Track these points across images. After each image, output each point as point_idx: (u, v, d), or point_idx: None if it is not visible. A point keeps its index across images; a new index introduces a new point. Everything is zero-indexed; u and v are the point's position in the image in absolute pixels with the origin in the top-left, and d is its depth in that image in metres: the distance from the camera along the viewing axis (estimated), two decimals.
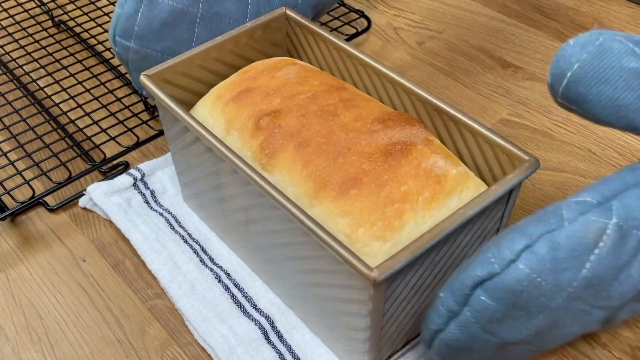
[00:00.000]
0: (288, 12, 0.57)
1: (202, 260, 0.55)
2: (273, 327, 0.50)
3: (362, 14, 0.81)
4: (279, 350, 0.49)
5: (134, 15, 0.59)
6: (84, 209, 0.60)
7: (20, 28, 0.80)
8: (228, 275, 0.54)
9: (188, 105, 0.55)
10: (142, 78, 0.51)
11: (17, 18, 0.82)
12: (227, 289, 0.53)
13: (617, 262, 0.38)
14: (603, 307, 0.41)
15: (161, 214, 0.58)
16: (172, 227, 0.57)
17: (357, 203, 0.42)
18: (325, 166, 0.43)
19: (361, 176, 0.42)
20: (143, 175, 0.61)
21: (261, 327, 0.50)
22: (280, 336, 0.50)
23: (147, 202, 0.59)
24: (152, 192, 0.60)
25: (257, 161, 0.46)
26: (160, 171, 0.62)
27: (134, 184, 0.60)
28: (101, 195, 0.59)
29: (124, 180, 0.60)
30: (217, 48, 0.55)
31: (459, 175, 0.44)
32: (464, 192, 0.44)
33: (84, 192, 0.60)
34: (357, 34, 0.79)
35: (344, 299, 0.42)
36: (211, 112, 0.50)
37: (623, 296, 0.40)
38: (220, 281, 0.53)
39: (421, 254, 0.39)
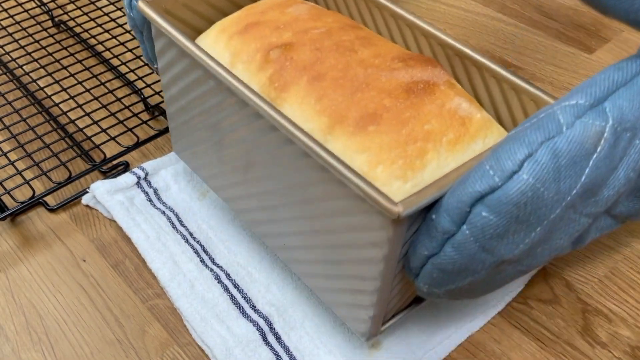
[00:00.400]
0: None
1: (202, 260, 0.55)
2: (271, 328, 0.50)
3: None
4: (276, 351, 0.49)
5: None
6: (87, 206, 0.60)
7: (20, 28, 0.80)
8: (228, 275, 0.54)
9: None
10: (141, 4, 0.47)
11: (17, 18, 0.82)
12: (226, 289, 0.53)
13: (610, 166, 0.37)
14: (588, 215, 0.40)
15: (163, 212, 0.58)
16: (174, 226, 0.57)
17: (376, 139, 0.39)
18: (342, 101, 0.40)
19: (381, 112, 0.39)
20: (146, 174, 0.61)
21: (259, 329, 0.50)
22: (278, 337, 0.50)
23: (150, 200, 0.59)
24: (155, 190, 0.60)
25: (265, 95, 0.43)
26: (164, 170, 0.62)
27: (137, 183, 0.60)
28: (104, 193, 0.59)
29: (127, 179, 0.60)
30: None
31: (483, 120, 0.42)
32: (489, 137, 0.41)
33: (87, 190, 0.60)
34: None
35: (356, 244, 0.39)
36: (214, 45, 0.46)
37: (608, 201, 0.40)
38: (219, 281, 0.53)
39: (446, 193, 0.36)
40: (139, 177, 0.61)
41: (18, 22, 0.81)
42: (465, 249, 0.37)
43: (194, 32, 0.53)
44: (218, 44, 0.46)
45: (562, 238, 0.40)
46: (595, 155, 0.36)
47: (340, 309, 0.45)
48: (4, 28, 0.80)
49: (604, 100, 0.36)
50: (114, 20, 0.80)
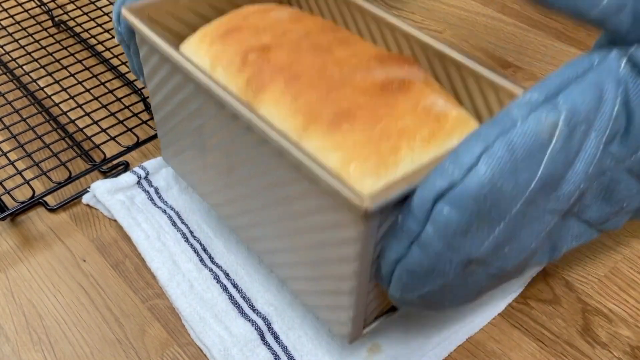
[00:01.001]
0: None
1: (201, 260, 0.55)
2: (270, 328, 0.50)
3: None
4: (274, 351, 0.49)
5: None
6: (87, 206, 0.60)
7: (20, 28, 0.80)
8: (227, 275, 0.54)
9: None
10: (124, 11, 0.47)
11: (17, 18, 0.82)
12: (225, 289, 0.53)
13: (567, 159, 0.38)
14: (552, 212, 0.40)
15: (164, 211, 0.58)
16: (175, 224, 0.57)
17: (349, 137, 0.39)
18: (317, 100, 0.40)
19: (355, 110, 0.40)
20: (147, 174, 0.61)
21: (258, 328, 0.50)
22: (276, 337, 0.50)
23: (152, 199, 0.60)
24: (157, 189, 0.60)
25: (243, 97, 0.43)
26: (165, 169, 0.62)
27: (138, 182, 0.60)
28: (105, 192, 0.59)
29: (128, 178, 0.60)
30: None
31: (459, 117, 0.41)
32: (465, 134, 0.40)
33: (87, 189, 0.60)
34: None
35: (331, 242, 0.39)
36: (197, 51, 0.47)
37: (570, 197, 0.40)
38: (218, 281, 0.53)
39: (417, 187, 0.36)
40: (139, 177, 0.61)
41: (18, 22, 0.81)
42: (431, 248, 0.37)
43: (178, 39, 0.52)
44: (200, 49, 0.47)
45: (530, 238, 0.40)
46: (550, 148, 0.36)
47: (321, 311, 0.45)
48: (4, 28, 0.80)
49: (557, 95, 0.37)
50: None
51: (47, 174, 0.61)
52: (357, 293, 0.40)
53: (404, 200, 0.36)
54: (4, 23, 0.81)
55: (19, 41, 0.77)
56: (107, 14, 0.81)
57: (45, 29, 0.79)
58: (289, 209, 0.42)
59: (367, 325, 0.44)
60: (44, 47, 0.76)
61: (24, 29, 0.79)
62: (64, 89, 0.70)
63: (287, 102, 0.41)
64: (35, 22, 0.81)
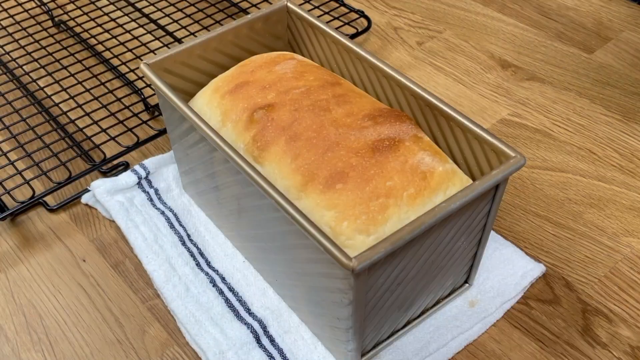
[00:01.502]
0: (289, 4, 0.57)
1: (198, 264, 0.55)
2: (265, 331, 0.50)
3: (362, 14, 0.81)
4: (270, 353, 0.49)
5: None
6: (86, 206, 0.60)
7: (20, 28, 0.80)
8: (223, 279, 0.54)
9: (188, 94, 0.55)
10: (142, 67, 0.51)
11: (17, 18, 0.82)
12: (221, 292, 0.53)
13: None
14: None
15: (163, 212, 0.58)
16: (172, 226, 0.57)
17: (342, 197, 0.42)
18: (314, 160, 0.44)
19: (348, 170, 0.43)
20: (148, 174, 0.61)
21: (253, 331, 0.50)
22: (272, 340, 0.50)
23: (151, 200, 0.59)
24: (157, 191, 0.60)
25: (249, 153, 0.47)
26: (165, 168, 0.62)
27: (138, 183, 0.60)
28: (104, 193, 0.59)
29: (128, 178, 0.60)
30: (217, 39, 0.55)
31: (445, 172, 0.44)
32: (450, 188, 0.44)
33: (88, 189, 0.60)
34: (358, 33, 0.78)
35: (327, 288, 0.43)
36: (208, 104, 0.51)
37: None
38: (214, 285, 0.53)
39: (401, 245, 0.39)
40: (139, 177, 0.60)
41: (18, 22, 0.81)
42: None
43: (194, 85, 0.56)
44: (212, 103, 0.51)
45: None
46: None
47: (324, 341, 0.49)
48: (4, 28, 0.80)
49: None
50: (114, 20, 0.80)
51: (47, 174, 0.61)
52: (354, 330, 0.43)
53: (396, 252, 0.40)
54: (4, 23, 0.81)
55: (19, 41, 0.77)
56: (107, 14, 0.81)
57: (45, 29, 0.79)
58: (291, 256, 0.46)
59: (365, 354, 0.48)
60: (44, 47, 0.76)
61: (24, 29, 0.79)
62: (64, 89, 0.70)
63: (287, 161, 0.45)
64: (35, 22, 0.81)
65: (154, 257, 0.55)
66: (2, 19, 0.81)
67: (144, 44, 0.76)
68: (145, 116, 0.68)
